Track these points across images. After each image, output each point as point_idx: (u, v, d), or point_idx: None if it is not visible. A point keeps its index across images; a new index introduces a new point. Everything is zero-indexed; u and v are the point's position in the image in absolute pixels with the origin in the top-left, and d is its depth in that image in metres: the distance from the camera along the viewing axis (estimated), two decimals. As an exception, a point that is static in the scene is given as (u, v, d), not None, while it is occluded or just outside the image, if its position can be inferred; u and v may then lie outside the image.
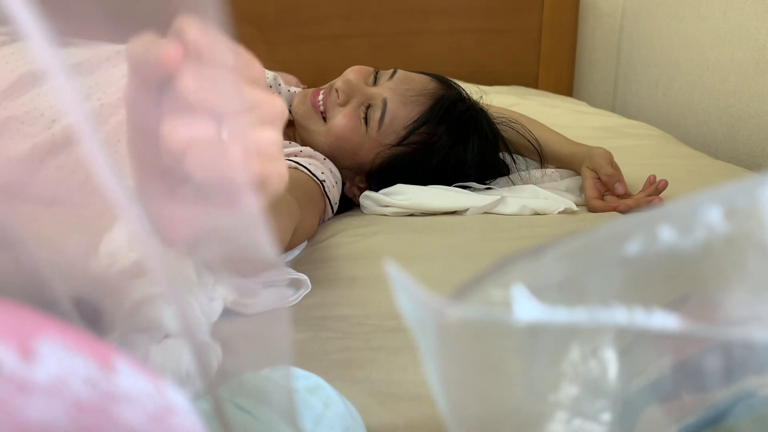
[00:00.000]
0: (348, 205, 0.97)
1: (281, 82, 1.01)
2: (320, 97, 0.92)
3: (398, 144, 0.90)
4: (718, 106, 1.50)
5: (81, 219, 0.43)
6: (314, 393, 0.35)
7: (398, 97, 0.90)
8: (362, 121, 0.90)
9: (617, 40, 1.94)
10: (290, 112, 0.94)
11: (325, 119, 0.92)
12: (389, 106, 0.89)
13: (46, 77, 0.18)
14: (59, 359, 0.17)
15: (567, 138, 1.08)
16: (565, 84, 1.92)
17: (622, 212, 0.90)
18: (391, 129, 0.89)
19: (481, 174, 0.98)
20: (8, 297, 0.21)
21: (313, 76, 1.53)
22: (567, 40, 1.90)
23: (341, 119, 0.89)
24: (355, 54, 1.83)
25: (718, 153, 1.46)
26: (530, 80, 1.90)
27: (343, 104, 0.90)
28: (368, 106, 0.89)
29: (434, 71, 1.01)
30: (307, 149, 0.89)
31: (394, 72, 0.93)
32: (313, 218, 0.81)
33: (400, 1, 1.83)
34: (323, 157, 0.89)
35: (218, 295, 0.44)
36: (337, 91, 0.90)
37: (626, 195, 0.93)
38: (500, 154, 1.01)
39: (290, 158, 0.85)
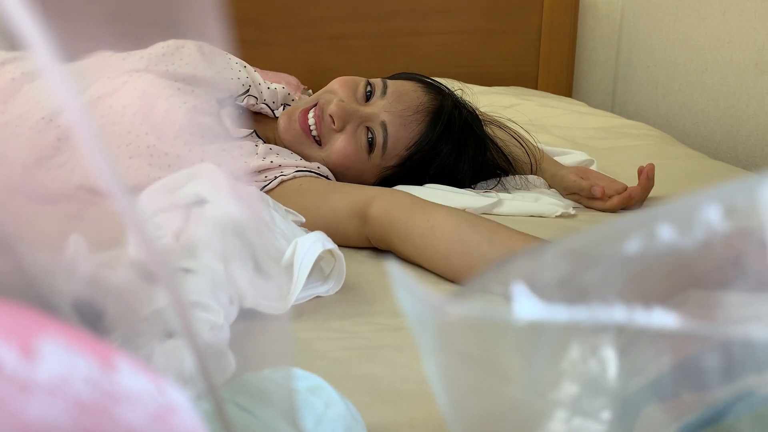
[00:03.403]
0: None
1: (260, 80, 0.98)
2: (311, 121, 0.88)
3: (400, 164, 0.89)
4: (717, 107, 1.50)
5: (81, 219, 0.43)
6: (315, 393, 0.35)
7: (397, 119, 0.87)
8: (363, 147, 0.87)
9: (616, 40, 1.94)
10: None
11: (319, 143, 0.88)
12: (390, 130, 0.87)
13: (42, 76, 0.18)
14: (60, 359, 0.18)
15: (551, 158, 1.08)
16: (564, 84, 1.92)
17: (636, 197, 0.93)
18: (394, 153, 0.88)
19: (476, 176, 0.98)
20: (8, 297, 0.21)
21: (313, 77, 1.53)
22: (566, 41, 1.90)
23: (341, 147, 0.86)
24: (356, 55, 1.83)
25: (717, 153, 1.46)
26: (530, 81, 1.90)
27: (340, 130, 0.87)
28: (367, 129, 0.87)
29: (434, 72, 1.01)
30: (312, 164, 0.86)
31: (385, 87, 0.89)
32: None
33: (400, 2, 1.83)
34: (327, 171, 0.88)
35: (237, 298, 0.44)
36: (332, 116, 0.86)
37: (612, 191, 0.95)
38: (492, 155, 1.00)
39: (303, 168, 0.84)
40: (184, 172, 0.47)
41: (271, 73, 1.04)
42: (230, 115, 0.89)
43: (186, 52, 0.89)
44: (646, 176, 0.92)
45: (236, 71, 0.96)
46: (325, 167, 0.87)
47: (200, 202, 0.45)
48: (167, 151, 0.76)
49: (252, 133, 0.89)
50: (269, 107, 0.96)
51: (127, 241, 0.38)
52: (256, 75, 0.98)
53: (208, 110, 0.82)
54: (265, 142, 0.89)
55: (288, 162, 0.84)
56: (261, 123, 0.95)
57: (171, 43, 0.88)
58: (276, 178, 0.81)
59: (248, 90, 0.95)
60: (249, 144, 0.85)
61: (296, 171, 0.82)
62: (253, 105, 0.95)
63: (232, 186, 0.45)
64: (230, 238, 0.44)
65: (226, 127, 0.87)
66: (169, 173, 0.75)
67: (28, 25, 0.17)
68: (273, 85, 0.99)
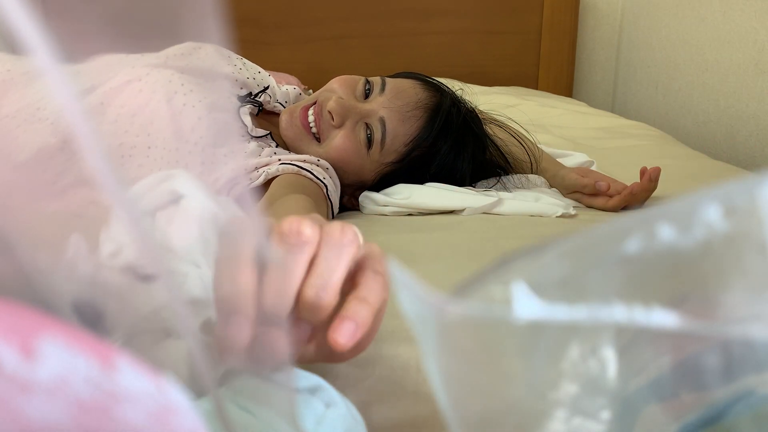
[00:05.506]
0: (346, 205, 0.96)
1: (274, 82, 0.99)
2: (311, 118, 0.89)
3: (399, 161, 0.89)
4: (717, 107, 1.50)
5: (81, 219, 0.43)
6: (316, 393, 0.35)
7: (395, 114, 0.87)
8: (362, 142, 0.87)
9: (617, 41, 1.95)
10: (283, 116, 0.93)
11: (318, 139, 0.89)
12: (388, 126, 0.87)
13: (42, 76, 0.18)
14: (61, 358, 0.18)
15: (552, 158, 1.08)
16: (564, 85, 1.92)
17: (636, 193, 0.92)
18: (392, 148, 0.88)
19: (476, 174, 0.98)
20: (8, 297, 0.21)
21: (313, 77, 1.53)
22: (567, 41, 1.90)
23: (340, 142, 0.87)
24: (355, 55, 1.84)
25: (717, 153, 1.47)
26: (530, 81, 1.91)
27: (339, 126, 0.87)
28: (366, 125, 0.87)
29: (434, 72, 1.01)
30: (312, 158, 0.87)
31: (384, 84, 0.90)
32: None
33: (400, 2, 1.83)
34: (327, 165, 0.88)
35: None
36: (330, 112, 0.87)
37: (613, 190, 0.94)
38: (490, 153, 1.00)
39: (292, 162, 0.84)
40: (156, 175, 0.46)
41: (271, 73, 1.04)
42: (249, 113, 0.89)
43: (203, 51, 0.90)
44: (649, 177, 0.92)
45: (253, 72, 0.97)
46: (324, 161, 0.87)
47: (176, 199, 0.44)
48: (177, 146, 0.77)
49: (268, 134, 0.89)
50: (282, 106, 0.97)
51: (104, 241, 0.38)
52: (270, 79, 0.99)
53: (227, 107, 0.82)
54: (278, 146, 0.89)
55: (286, 157, 0.84)
56: (276, 126, 0.96)
57: (187, 44, 0.88)
58: (264, 173, 0.81)
59: (266, 88, 0.97)
60: (255, 146, 0.86)
61: (280, 164, 0.81)
62: (268, 102, 0.95)
63: (207, 190, 0.45)
64: (210, 231, 0.44)
65: (244, 125, 0.87)
66: (176, 169, 0.75)
67: (26, 25, 0.17)
68: (285, 87, 1.00)
